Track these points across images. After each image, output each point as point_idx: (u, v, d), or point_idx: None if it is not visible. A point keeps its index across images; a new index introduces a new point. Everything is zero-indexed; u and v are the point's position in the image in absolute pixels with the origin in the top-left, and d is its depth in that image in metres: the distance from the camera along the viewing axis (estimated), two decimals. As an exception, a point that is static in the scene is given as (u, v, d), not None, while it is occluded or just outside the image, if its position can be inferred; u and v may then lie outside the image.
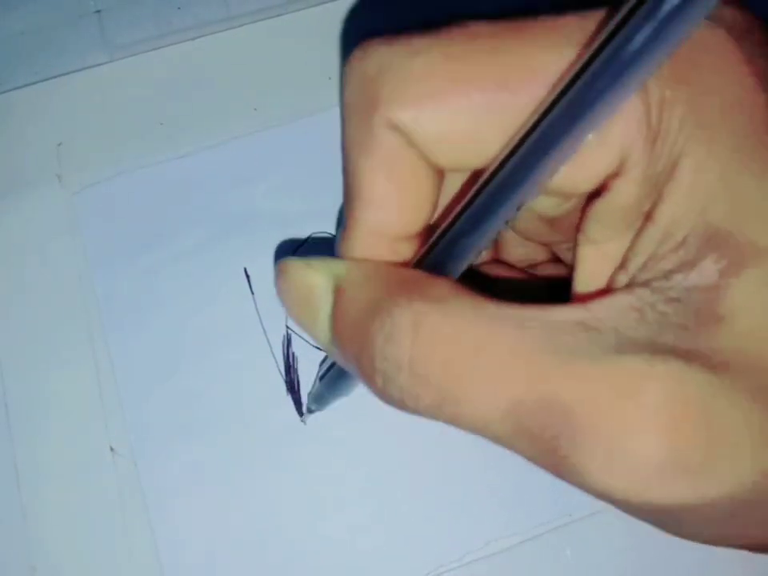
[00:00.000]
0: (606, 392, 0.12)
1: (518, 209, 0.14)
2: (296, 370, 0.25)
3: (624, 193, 0.13)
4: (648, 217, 0.13)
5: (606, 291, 0.14)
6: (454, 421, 0.13)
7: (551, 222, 0.17)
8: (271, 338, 0.26)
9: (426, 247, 0.15)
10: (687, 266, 0.13)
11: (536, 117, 0.13)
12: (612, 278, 0.14)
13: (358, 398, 0.25)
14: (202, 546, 0.23)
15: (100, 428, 0.25)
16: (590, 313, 0.13)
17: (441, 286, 0.14)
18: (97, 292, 0.26)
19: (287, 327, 0.25)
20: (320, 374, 0.22)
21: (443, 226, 0.15)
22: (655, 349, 0.12)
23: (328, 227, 0.27)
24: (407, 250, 0.16)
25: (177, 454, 0.24)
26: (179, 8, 0.30)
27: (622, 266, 0.14)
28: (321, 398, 0.23)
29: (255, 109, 0.28)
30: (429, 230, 0.16)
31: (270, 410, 0.25)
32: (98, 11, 0.30)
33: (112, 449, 0.24)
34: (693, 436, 0.12)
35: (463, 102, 0.13)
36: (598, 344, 0.12)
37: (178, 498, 0.24)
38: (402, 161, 0.15)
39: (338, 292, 0.15)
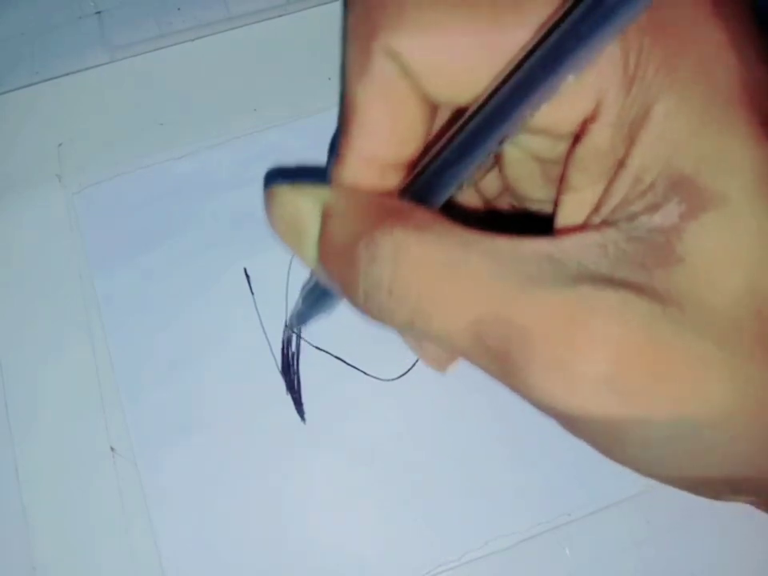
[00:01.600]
0: (558, 314, 0.13)
1: (501, 143, 0.14)
2: (296, 370, 0.25)
3: (599, 136, 0.14)
4: (621, 163, 0.14)
5: (580, 228, 0.15)
6: (423, 335, 0.15)
7: (546, 171, 0.18)
8: (271, 338, 0.26)
9: (411, 176, 0.16)
10: (653, 208, 0.13)
11: (521, 56, 0.13)
12: (587, 221, 0.15)
13: (357, 398, 0.25)
14: (203, 545, 0.23)
15: (100, 428, 0.25)
16: (557, 247, 0.14)
17: (420, 215, 0.15)
18: (97, 292, 0.26)
19: (287, 327, 0.26)
20: (303, 293, 0.22)
21: (429, 156, 0.15)
22: (610, 281, 0.13)
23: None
24: (396, 179, 0.17)
25: (177, 454, 0.24)
26: (179, 8, 0.30)
27: (596, 209, 0.15)
28: (302, 316, 0.24)
29: (255, 109, 0.28)
30: (417, 161, 0.17)
31: (270, 410, 0.25)
32: (98, 12, 0.30)
33: (112, 449, 0.24)
34: (631, 359, 0.13)
35: (457, 36, 0.14)
36: (559, 274, 0.13)
37: (178, 498, 0.24)
38: (396, 89, 0.15)
39: (325, 216, 0.16)
